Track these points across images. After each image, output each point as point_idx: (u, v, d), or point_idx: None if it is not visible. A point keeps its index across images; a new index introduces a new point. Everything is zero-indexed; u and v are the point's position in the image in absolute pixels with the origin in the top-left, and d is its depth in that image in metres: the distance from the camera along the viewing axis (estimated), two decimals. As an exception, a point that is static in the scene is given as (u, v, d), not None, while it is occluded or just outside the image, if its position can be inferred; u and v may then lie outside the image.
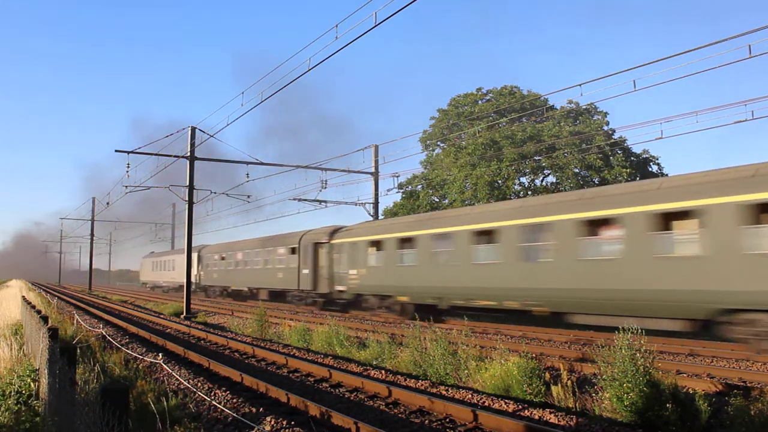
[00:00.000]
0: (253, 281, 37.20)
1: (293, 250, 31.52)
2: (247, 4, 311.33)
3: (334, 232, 28.04)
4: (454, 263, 19.62)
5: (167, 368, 11.26)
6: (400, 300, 22.43)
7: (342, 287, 26.37)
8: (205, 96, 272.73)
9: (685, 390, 8.85)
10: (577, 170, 33.71)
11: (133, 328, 20.15)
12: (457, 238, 19.54)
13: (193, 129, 26.16)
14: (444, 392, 9.65)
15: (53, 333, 6.84)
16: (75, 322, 19.85)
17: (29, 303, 16.84)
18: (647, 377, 7.54)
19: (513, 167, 33.60)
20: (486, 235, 18.60)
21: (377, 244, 24.17)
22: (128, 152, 26.08)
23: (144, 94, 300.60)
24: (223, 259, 42.70)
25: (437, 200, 37.93)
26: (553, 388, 8.75)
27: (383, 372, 11.41)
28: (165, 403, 7.66)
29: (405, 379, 10.72)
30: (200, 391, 9.42)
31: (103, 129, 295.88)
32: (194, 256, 45.89)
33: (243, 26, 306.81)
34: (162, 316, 27.58)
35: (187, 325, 21.18)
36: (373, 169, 33.04)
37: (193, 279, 45.99)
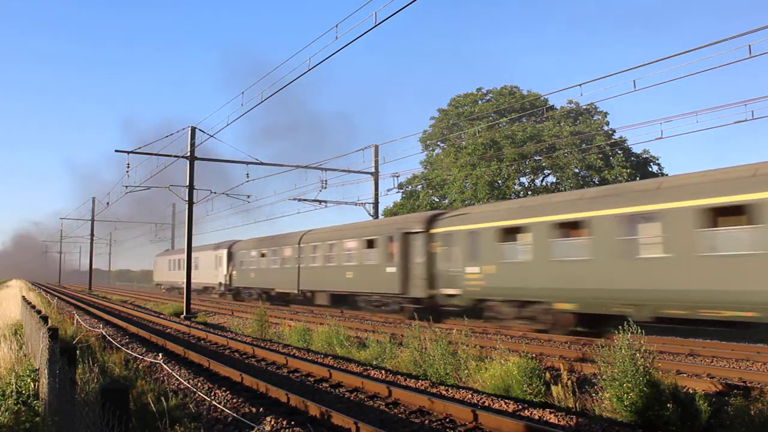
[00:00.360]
0: (309, 282, 30.32)
1: (370, 243, 25.36)
2: (246, 4, 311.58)
3: (433, 218, 22.46)
4: (664, 256, 14.02)
5: (167, 368, 11.26)
6: (559, 308, 16.66)
7: (453, 290, 20.48)
8: (201, 96, 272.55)
9: (685, 390, 8.85)
10: (577, 170, 33.79)
11: (133, 328, 20.15)
12: (672, 219, 13.85)
13: (193, 129, 26.18)
14: (444, 392, 9.65)
15: (53, 333, 6.84)
16: (75, 322, 19.84)
17: (29, 303, 16.85)
18: (647, 377, 7.55)
19: (513, 167, 33.65)
20: (732, 215, 13.21)
21: (514, 232, 18.35)
22: (128, 152, 26.17)
23: (138, 95, 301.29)
24: (263, 256, 36.07)
25: (437, 200, 37.99)
26: (553, 388, 8.75)
27: (383, 372, 11.42)
28: (165, 403, 7.65)
29: (405, 379, 10.72)
30: (200, 391, 9.42)
31: (97, 129, 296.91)
32: (223, 253, 42.92)
33: (242, 26, 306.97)
34: (162, 316, 27.61)
35: (187, 325, 21.18)
36: (373, 169, 33.09)
37: (222, 279, 43.99)
